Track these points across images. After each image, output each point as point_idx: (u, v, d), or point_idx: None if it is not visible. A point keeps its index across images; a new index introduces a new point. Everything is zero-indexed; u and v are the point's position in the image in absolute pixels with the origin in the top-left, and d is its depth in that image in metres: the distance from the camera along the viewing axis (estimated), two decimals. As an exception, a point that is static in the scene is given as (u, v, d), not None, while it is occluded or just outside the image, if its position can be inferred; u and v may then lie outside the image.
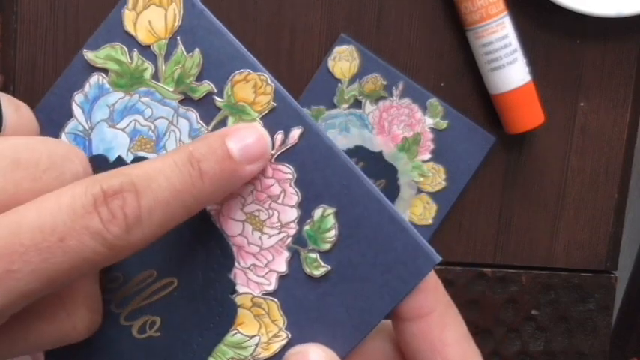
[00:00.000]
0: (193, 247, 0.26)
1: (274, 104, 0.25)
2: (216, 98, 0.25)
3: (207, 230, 0.25)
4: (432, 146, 0.49)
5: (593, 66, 0.51)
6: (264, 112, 0.25)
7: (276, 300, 0.25)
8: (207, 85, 0.25)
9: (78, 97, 0.26)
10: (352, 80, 0.48)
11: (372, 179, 0.45)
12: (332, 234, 0.25)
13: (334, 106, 0.48)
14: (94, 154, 0.26)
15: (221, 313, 0.25)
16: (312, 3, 0.48)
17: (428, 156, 0.49)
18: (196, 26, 0.25)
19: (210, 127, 0.25)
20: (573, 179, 0.52)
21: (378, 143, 0.48)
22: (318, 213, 0.25)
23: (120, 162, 0.26)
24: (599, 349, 0.54)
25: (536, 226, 0.52)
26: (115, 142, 0.26)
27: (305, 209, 0.25)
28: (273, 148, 0.25)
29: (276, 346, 0.25)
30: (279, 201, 0.25)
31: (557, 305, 0.53)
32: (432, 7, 0.49)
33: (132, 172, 0.22)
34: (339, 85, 0.48)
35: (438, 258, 0.25)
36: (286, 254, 0.25)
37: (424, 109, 0.48)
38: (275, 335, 0.25)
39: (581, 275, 0.53)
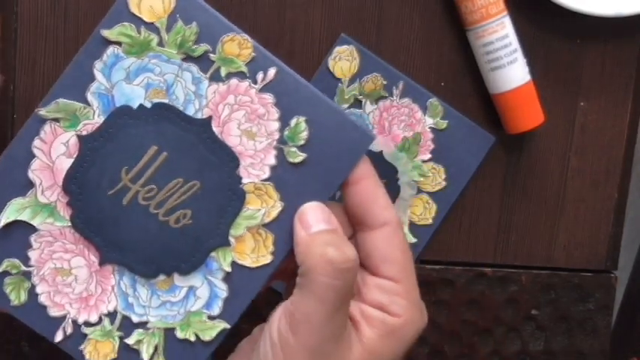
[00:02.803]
0: (207, 157, 0.36)
1: (254, 54, 0.36)
2: (211, 55, 0.36)
3: (216, 145, 0.36)
4: (431, 146, 0.49)
5: (593, 66, 0.51)
6: (247, 61, 0.36)
7: (270, 183, 0.36)
8: (205, 46, 0.35)
9: (98, 64, 0.35)
10: (352, 80, 0.48)
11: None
12: (304, 134, 0.36)
13: None
14: (117, 105, 0.35)
15: (235, 198, 0.36)
16: (312, 3, 0.48)
17: (428, 156, 0.49)
18: (189, 6, 0.35)
19: (208, 75, 0.36)
20: (573, 179, 0.52)
21: (378, 143, 0.48)
22: (293, 121, 0.36)
23: (142, 108, 0.35)
24: (599, 349, 0.54)
25: (536, 226, 0.52)
26: (133, 94, 0.35)
27: (284, 121, 0.36)
28: (256, 83, 0.36)
29: (275, 213, 0.36)
30: (265, 118, 0.36)
31: (557, 305, 0.53)
32: (432, 7, 0.49)
33: None
34: (339, 84, 0.48)
35: (374, 136, 0.36)
36: (274, 152, 0.36)
37: (424, 108, 0.48)
38: (273, 206, 0.36)
39: (581, 275, 0.53)
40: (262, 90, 0.36)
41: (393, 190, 0.49)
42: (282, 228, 0.36)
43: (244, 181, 0.36)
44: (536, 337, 0.53)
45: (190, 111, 0.35)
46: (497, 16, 0.46)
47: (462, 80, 0.50)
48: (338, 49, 0.47)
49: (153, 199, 0.36)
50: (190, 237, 0.36)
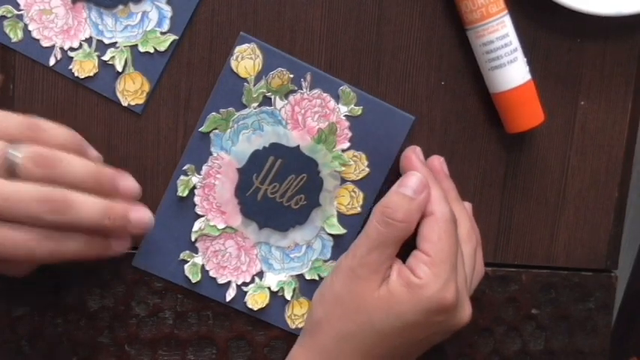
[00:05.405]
0: None
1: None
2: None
3: None
4: (349, 134, 0.48)
5: (593, 65, 0.51)
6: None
7: None
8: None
9: None
10: (258, 78, 0.47)
11: (292, 175, 0.48)
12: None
13: (244, 106, 0.47)
14: None
15: None
16: (312, 3, 0.48)
17: (347, 144, 0.48)
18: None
19: None
20: (573, 178, 0.52)
21: (293, 138, 0.48)
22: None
23: None
24: (599, 349, 0.54)
25: (537, 225, 0.52)
26: None
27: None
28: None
29: None
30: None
31: (557, 304, 0.53)
32: (432, 7, 0.49)
33: None
34: (246, 84, 0.47)
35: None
36: None
37: (336, 97, 0.48)
38: None
39: (582, 274, 0.53)
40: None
41: (315, 183, 0.48)
42: None
43: None
44: (536, 336, 0.53)
45: None
46: (497, 15, 0.46)
47: (462, 80, 0.50)
48: (239, 48, 0.47)
49: None
50: None
